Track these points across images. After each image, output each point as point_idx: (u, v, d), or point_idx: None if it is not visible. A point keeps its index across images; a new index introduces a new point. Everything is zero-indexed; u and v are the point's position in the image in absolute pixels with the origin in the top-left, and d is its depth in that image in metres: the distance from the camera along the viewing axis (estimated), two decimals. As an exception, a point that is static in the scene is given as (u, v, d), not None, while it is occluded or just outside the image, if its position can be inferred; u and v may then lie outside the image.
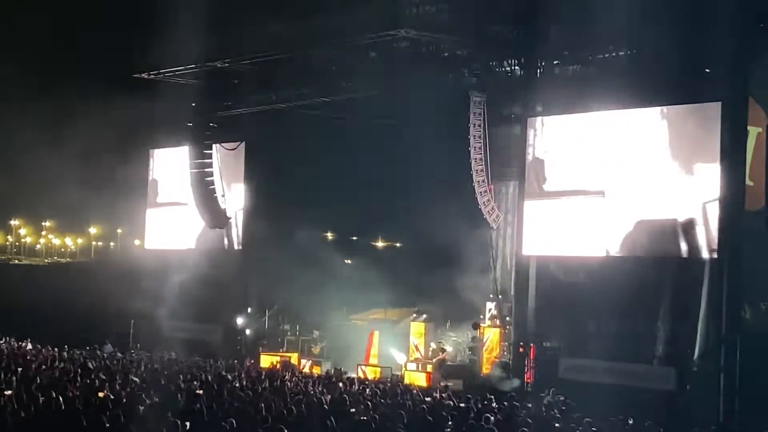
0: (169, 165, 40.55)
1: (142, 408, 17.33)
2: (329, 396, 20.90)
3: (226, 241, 38.46)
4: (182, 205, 39.20)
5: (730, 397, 24.06)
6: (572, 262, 28.00)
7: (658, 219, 26.42)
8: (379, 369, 31.50)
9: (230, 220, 37.34)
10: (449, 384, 27.86)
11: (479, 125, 29.91)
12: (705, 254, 25.44)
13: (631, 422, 19.41)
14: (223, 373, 26.41)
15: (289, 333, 36.52)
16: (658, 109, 26.48)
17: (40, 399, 17.07)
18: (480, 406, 20.19)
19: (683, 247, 25.95)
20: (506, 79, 29.14)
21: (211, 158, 36.30)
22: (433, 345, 31.67)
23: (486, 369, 30.16)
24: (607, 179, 27.48)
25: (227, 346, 36.02)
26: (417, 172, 32.65)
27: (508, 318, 30.46)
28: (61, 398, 16.98)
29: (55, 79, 41.36)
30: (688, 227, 25.74)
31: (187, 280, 35.68)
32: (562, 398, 23.14)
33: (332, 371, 29.91)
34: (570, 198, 28.09)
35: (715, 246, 25.16)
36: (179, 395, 19.25)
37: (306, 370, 31.34)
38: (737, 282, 24.66)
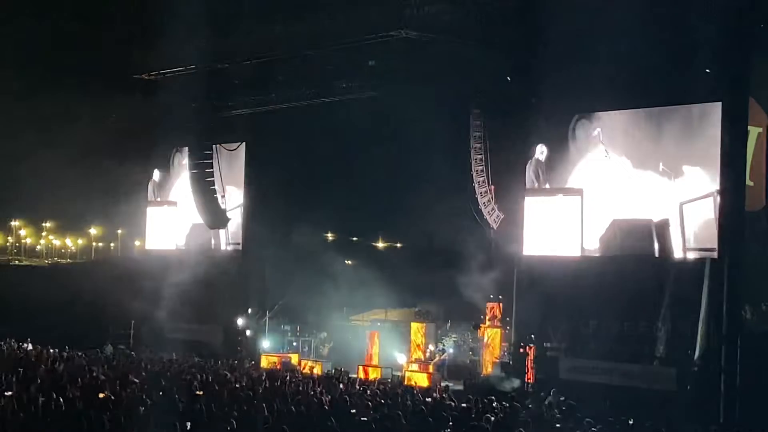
0: (169, 166, 40.58)
1: (142, 409, 17.33)
2: (330, 396, 20.90)
3: (213, 242, 38.50)
4: (183, 206, 39.21)
5: (731, 398, 24.06)
6: (573, 261, 27.99)
7: (634, 219, 26.97)
8: (379, 369, 31.51)
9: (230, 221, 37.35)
10: (450, 384, 27.85)
11: (479, 126, 29.94)
12: (679, 254, 25.94)
13: (631, 422, 19.39)
14: (224, 373, 26.42)
15: (289, 334, 36.55)
16: (647, 110, 26.64)
17: (40, 400, 17.06)
18: (480, 406, 20.18)
19: (656, 247, 26.27)
20: (506, 80, 29.11)
21: (211, 159, 36.27)
22: (431, 347, 31.63)
23: (487, 369, 30.16)
24: (599, 179, 27.70)
25: (228, 347, 36.04)
26: (417, 172, 32.66)
27: (508, 318, 30.45)
28: (61, 399, 16.97)
29: (55, 80, 41.30)
30: (662, 228, 26.02)
31: (188, 281, 35.66)
32: (562, 398, 23.15)
33: (333, 372, 29.91)
34: (567, 197, 28.24)
35: (690, 246, 25.61)
36: (180, 396, 19.23)
37: (306, 370, 31.33)
38: (738, 282, 24.67)
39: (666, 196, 26.26)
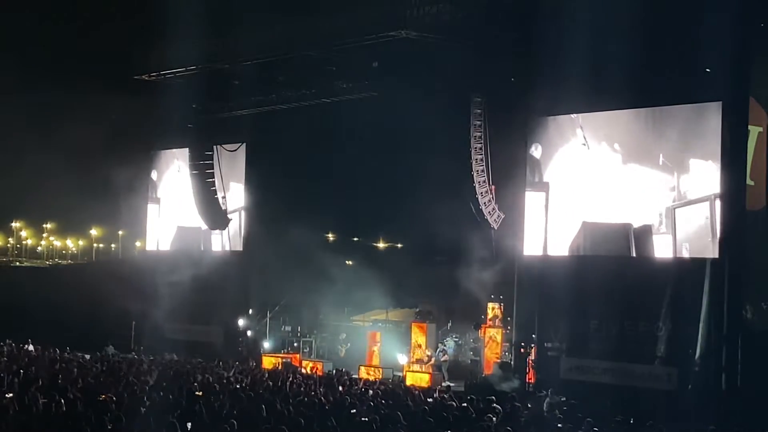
0: (170, 166, 40.62)
1: (143, 409, 17.33)
2: (330, 397, 20.90)
3: (203, 246, 38.57)
4: (183, 207, 39.22)
5: (732, 397, 24.04)
6: (574, 261, 27.97)
7: (606, 223, 26.98)
8: (380, 370, 31.52)
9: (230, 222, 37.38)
10: (451, 384, 27.86)
11: (480, 126, 29.91)
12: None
13: (632, 422, 19.39)
14: (225, 374, 26.43)
15: (290, 334, 36.57)
16: (645, 110, 26.58)
17: (41, 401, 17.06)
18: (481, 406, 20.18)
19: (633, 254, 26.34)
20: (507, 80, 29.11)
21: (211, 159, 36.31)
22: (428, 352, 31.57)
23: (487, 369, 30.16)
24: (576, 173, 27.76)
25: (228, 348, 36.05)
26: (418, 172, 32.62)
27: (509, 318, 30.45)
28: (62, 400, 16.97)
29: (56, 81, 41.35)
30: (643, 234, 26.07)
31: (189, 282, 35.68)
32: (563, 399, 23.15)
33: (334, 372, 29.90)
34: (564, 197, 28.21)
35: (682, 255, 25.46)
36: (180, 397, 19.23)
37: (307, 370, 31.33)
38: (739, 282, 24.64)
39: (656, 197, 26.12)
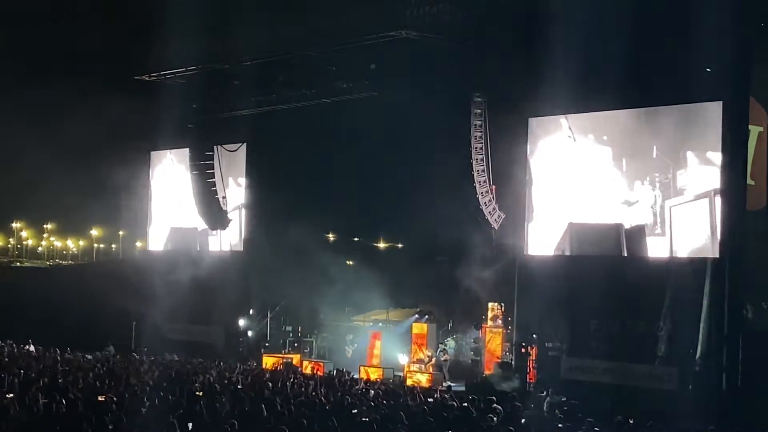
0: (170, 167, 40.62)
1: (143, 410, 17.33)
2: (331, 397, 20.90)
3: (198, 247, 38.57)
4: (179, 206, 39.25)
5: (732, 397, 24.04)
6: (574, 261, 27.97)
7: (595, 223, 27.01)
8: (381, 370, 31.52)
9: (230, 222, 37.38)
10: (451, 384, 27.87)
11: (480, 126, 29.91)
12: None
13: (632, 422, 19.38)
14: (225, 374, 26.43)
15: (291, 334, 36.56)
16: (644, 110, 26.54)
17: (41, 401, 17.07)
18: (482, 406, 20.18)
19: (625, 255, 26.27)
20: (507, 80, 29.10)
21: (212, 160, 36.30)
22: (428, 353, 31.57)
23: (488, 369, 30.16)
24: (560, 168, 27.76)
25: (229, 348, 36.05)
26: (418, 172, 32.64)
27: (510, 318, 30.45)
28: (63, 401, 16.97)
29: (56, 82, 41.37)
30: (636, 234, 26.01)
31: (189, 282, 35.69)
32: (563, 399, 23.14)
33: (334, 372, 29.91)
34: (548, 195, 28.18)
35: (678, 255, 25.39)
36: (181, 397, 19.23)
37: (308, 371, 31.34)
38: (739, 281, 24.64)
39: (650, 194, 26.04)
